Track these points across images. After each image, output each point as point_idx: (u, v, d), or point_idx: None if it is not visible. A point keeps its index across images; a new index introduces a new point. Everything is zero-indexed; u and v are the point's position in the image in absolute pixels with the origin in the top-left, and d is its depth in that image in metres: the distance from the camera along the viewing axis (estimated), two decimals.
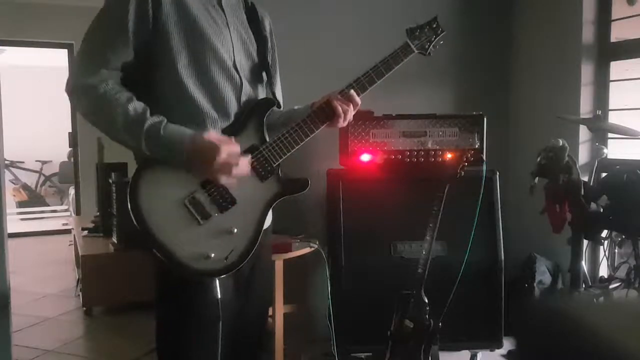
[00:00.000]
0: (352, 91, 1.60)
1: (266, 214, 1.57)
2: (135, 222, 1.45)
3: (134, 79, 1.51)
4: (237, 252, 1.51)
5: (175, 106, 1.51)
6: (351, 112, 1.62)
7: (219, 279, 1.50)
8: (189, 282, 1.52)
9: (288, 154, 1.57)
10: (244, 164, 1.50)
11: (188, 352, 1.57)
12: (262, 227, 1.55)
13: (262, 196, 1.56)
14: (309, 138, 1.60)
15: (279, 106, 1.71)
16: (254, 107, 1.60)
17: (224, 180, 1.48)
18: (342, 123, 1.62)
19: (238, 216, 1.51)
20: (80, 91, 1.48)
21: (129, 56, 1.49)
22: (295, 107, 1.73)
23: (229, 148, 1.46)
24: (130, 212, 1.45)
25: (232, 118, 1.57)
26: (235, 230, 1.51)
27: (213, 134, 1.47)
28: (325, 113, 1.60)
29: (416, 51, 1.68)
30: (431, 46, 1.70)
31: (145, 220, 1.45)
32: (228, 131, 1.54)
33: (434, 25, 1.71)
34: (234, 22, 1.62)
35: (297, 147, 1.58)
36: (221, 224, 1.49)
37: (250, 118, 1.58)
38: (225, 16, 1.60)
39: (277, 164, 1.57)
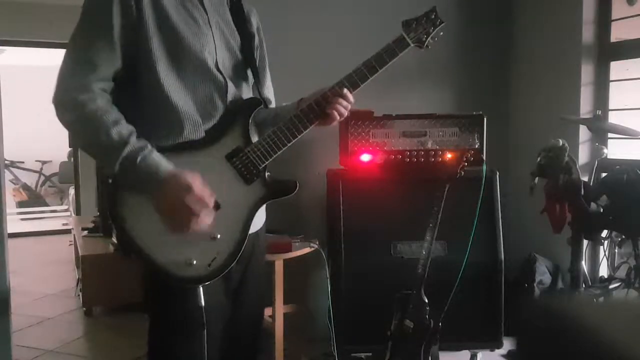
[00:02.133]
0: (345, 89, 1.51)
1: (252, 219, 1.49)
2: (114, 227, 1.42)
3: (116, 84, 1.45)
4: (221, 259, 1.45)
5: (157, 111, 1.46)
6: (345, 110, 1.52)
7: (202, 286, 1.44)
8: (172, 288, 1.47)
9: (275, 156, 1.49)
10: (207, 219, 1.39)
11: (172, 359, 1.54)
12: (248, 232, 1.48)
13: (247, 200, 1.48)
14: (297, 139, 1.50)
15: (266, 105, 1.62)
16: (238, 108, 1.52)
17: (179, 222, 1.38)
18: (333, 122, 1.53)
19: (222, 221, 1.44)
20: (68, 106, 1.41)
21: (117, 61, 1.43)
22: (284, 104, 1.66)
23: (203, 194, 1.38)
24: (109, 216, 1.42)
25: (217, 120, 1.50)
26: (219, 235, 1.44)
27: (197, 179, 1.39)
28: (315, 112, 1.50)
29: (412, 44, 1.55)
30: (429, 38, 1.56)
31: (125, 225, 1.41)
32: (211, 133, 1.48)
33: (432, 16, 1.57)
34: (216, 20, 1.55)
35: (284, 148, 1.49)
36: (204, 230, 1.42)
37: (235, 119, 1.50)
38: (207, 14, 1.53)
39: (263, 166, 1.48)
